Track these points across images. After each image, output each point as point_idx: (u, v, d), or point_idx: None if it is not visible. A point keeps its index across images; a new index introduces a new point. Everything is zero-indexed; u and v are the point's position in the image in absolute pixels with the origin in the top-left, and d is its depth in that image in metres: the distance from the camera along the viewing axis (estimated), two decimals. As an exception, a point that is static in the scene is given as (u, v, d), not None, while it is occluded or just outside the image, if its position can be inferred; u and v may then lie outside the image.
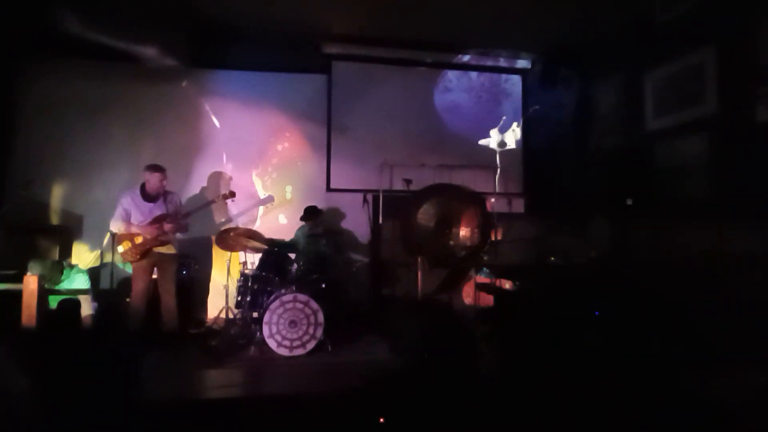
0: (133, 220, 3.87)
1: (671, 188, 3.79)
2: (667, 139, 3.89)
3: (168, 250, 3.97)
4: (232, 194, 4.52)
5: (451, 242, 4.68)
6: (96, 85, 4.94)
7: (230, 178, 5.26)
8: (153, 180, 3.90)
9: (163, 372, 3.31)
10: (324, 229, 4.84)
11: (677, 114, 3.80)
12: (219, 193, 4.72)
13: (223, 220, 5.21)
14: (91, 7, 4.22)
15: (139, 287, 3.88)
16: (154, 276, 4.00)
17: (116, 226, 3.86)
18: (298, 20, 4.75)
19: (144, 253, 3.85)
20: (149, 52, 4.77)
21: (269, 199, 5.33)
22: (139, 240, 3.84)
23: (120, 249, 3.86)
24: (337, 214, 5.41)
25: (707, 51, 3.54)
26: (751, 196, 3.20)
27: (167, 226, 3.87)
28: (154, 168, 3.93)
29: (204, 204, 4.43)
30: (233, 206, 5.21)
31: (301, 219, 4.79)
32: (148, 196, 3.93)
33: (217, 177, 5.23)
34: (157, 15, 4.48)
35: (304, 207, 4.83)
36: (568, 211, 4.83)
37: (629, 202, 3.91)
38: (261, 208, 5.36)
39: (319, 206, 4.90)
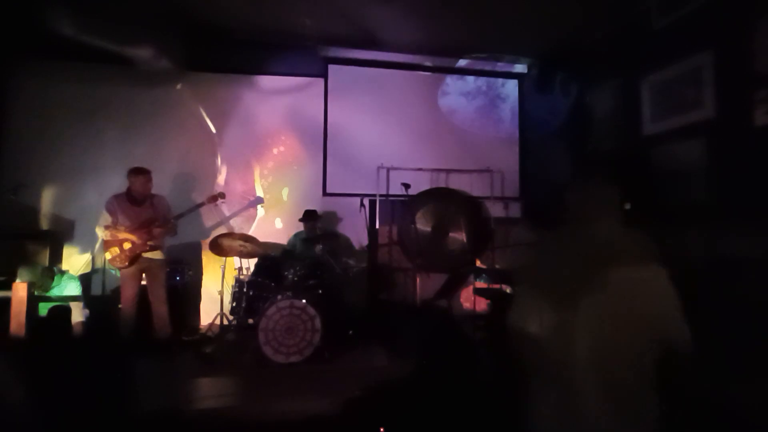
0: (120, 225, 3.80)
1: (670, 192, 3.79)
2: (665, 143, 3.89)
3: (157, 255, 3.90)
4: (222, 195, 4.45)
5: (449, 246, 4.66)
6: (88, 88, 4.87)
7: (223, 182, 5.19)
8: (138, 183, 3.84)
9: (156, 380, 3.23)
10: (320, 233, 4.80)
11: (675, 118, 3.80)
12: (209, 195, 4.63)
13: (213, 223, 5.14)
14: (83, 8, 4.17)
15: (128, 294, 3.81)
16: (144, 282, 3.93)
17: (103, 232, 3.79)
18: (294, 23, 4.72)
19: (133, 258, 3.78)
20: (143, 54, 4.72)
21: (258, 201, 5.28)
22: (127, 245, 3.77)
23: (108, 255, 3.79)
24: (333, 219, 5.37)
25: (705, 56, 3.55)
26: (750, 200, 3.20)
27: (156, 230, 3.81)
28: (138, 171, 3.87)
29: (193, 207, 4.35)
30: (224, 209, 5.15)
31: (300, 220, 4.74)
32: (134, 200, 3.86)
33: (209, 180, 5.17)
34: (152, 17, 4.43)
35: (303, 211, 4.80)
36: (566, 215, 4.81)
37: (627, 206, 3.91)
38: (257, 212, 5.30)
39: (316, 211, 4.86)
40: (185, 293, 4.66)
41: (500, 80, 5.95)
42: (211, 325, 4.47)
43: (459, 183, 5.37)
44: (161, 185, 4.25)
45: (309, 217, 4.73)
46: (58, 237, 4.61)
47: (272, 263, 4.21)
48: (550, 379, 1.38)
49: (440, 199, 5.07)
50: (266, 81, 5.35)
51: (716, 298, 3.21)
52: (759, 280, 3.01)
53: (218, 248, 4.35)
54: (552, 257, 1.51)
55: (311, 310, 3.67)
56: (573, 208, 1.54)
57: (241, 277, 4.24)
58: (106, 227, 3.78)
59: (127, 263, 3.78)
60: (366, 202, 4.87)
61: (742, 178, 3.28)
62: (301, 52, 5.24)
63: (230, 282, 4.37)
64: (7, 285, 3.23)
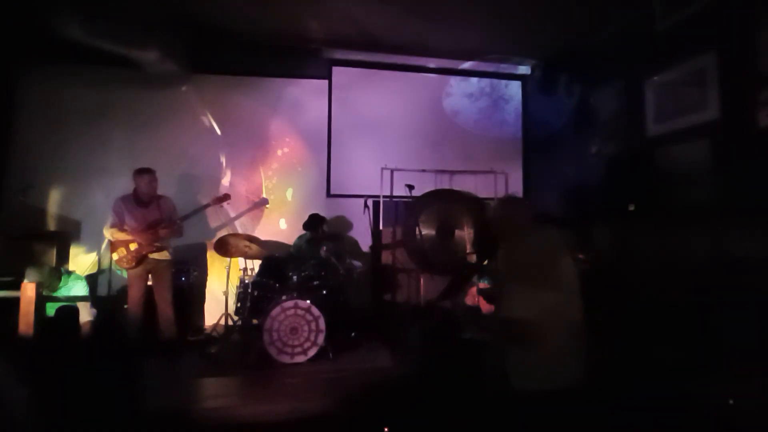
0: (127, 226, 3.83)
1: (673, 194, 3.78)
2: (670, 144, 3.89)
3: (163, 256, 3.93)
4: (227, 197, 4.48)
5: (453, 247, 4.67)
6: (94, 90, 4.91)
7: (228, 183, 5.23)
8: (143, 183, 3.87)
9: (161, 380, 3.27)
10: (325, 235, 4.81)
11: (679, 120, 3.80)
12: (214, 197, 4.66)
13: (218, 224, 5.17)
14: (89, 11, 4.21)
15: (134, 294, 3.85)
16: (150, 283, 3.96)
17: (110, 233, 3.83)
18: (298, 25, 4.75)
19: (140, 259, 3.82)
20: (149, 57, 4.76)
21: (263, 202, 5.31)
22: (134, 246, 3.80)
23: (115, 256, 3.83)
24: (337, 220, 5.39)
25: (708, 57, 3.55)
26: (754, 201, 3.19)
27: (162, 231, 3.84)
28: (144, 170, 3.90)
29: (199, 208, 4.38)
30: (229, 211, 5.18)
31: (304, 227, 4.75)
32: (140, 201, 3.90)
33: (214, 182, 5.20)
34: (157, 20, 4.47)
35: (307, 214, 4.78)
36: (570, 216, 4.82)
37: (632, 207, 3.91)
38: (261, 213, 5.33)
39: (320, 212, 4.87)
40: (190, 294, 4.69)
41: (504, 81, 5.96)
42: (216, 325, 4.50)
43: (463, 184, 5.39)
44: (167, 187, 4.28)
45: (313, 223, 4.67)
46: (65, 237, 4.65)
47: (277, 264, 4.22)
48: (522, 339, 2.06)
49: (444, 200, 5.09)
50: (271, 83, 5.38)
51: (720, 299, 3.21)
52: (763, 281, 3.01)
53: (223, 249, 4.38)
54: (510, 256, 2.31)
55: (315, 311, 3.69)
56: (504, 220, 2.39)
57: (246, 277, 4.27)
58: (113, 226, 3.82)
59: (133, 264, 3.82)
60: (370, 203, 4.89)
61: (746, 179, 3.27)
62: (305, 54, 5.27)
63: (235, 283, 4.40)
64: (16, 285, 3.26)
